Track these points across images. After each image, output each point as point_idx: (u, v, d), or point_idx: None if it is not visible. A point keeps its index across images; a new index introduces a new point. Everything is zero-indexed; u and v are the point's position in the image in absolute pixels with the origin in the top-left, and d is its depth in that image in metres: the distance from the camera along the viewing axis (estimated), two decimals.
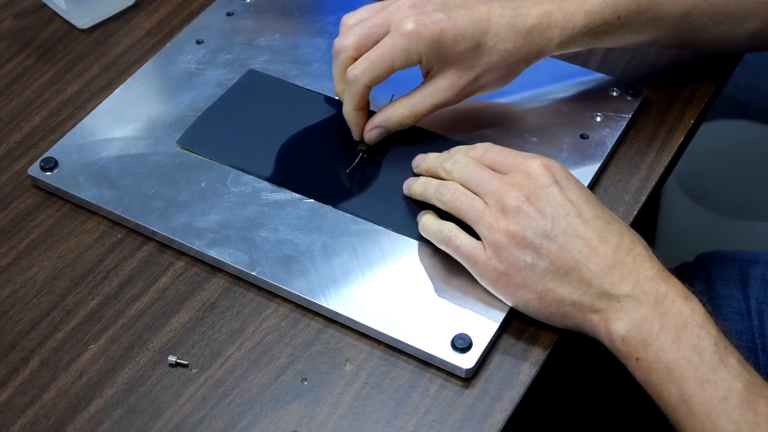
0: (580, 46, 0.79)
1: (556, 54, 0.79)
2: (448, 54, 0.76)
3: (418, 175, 0.77)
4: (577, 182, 0.71)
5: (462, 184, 0.72)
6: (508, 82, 0.80)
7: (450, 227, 0.71)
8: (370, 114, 0.80)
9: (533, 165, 0.70)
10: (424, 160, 0.76)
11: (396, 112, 0.79)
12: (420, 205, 0.77)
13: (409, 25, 0.76)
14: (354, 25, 0.79)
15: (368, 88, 0.78)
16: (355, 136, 0.81)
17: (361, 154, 0.80)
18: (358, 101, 0.79)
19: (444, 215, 0.73)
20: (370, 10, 0.80)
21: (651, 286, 0.66)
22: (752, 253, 0.95)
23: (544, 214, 0.68)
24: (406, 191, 0.76)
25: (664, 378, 0.65)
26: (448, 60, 0.77)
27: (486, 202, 0.70)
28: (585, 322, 0.68)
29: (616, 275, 0.67)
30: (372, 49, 0.77)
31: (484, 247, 0.70)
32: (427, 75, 0.79)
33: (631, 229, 0.69)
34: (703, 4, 0.79)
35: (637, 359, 0.65)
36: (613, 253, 0.67)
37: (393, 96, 0.81)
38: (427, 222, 0.73)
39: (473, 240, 0.70)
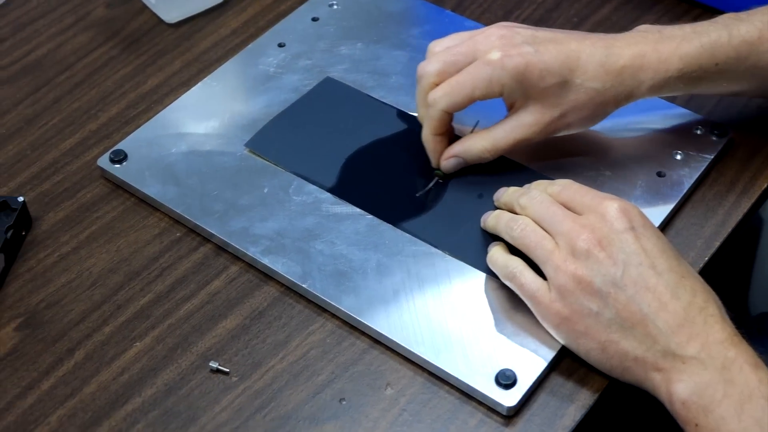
0: (673, 91, 0.76)
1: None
2: (532, 89, 0.74)
3: (496, 208, 0.75)
4: (655, 230, 0.68)
5: (535, 221, 0.69)
6: (594, 123, 0.77)
7: (516, 263, 0.69)
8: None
9: (610, 208, 0.67)
10: (504, 194, 0.74)
11: (476, 145, 0.77)
12: (481, 233, 0.75)
13: (495, 55, 0.74)
14: (440, 52, 0.77)
15: (447, 114, 0.76)
16: (433, 162, 0.79)
17: (436, 178, 0.79)
18: (436, 126, 0.77)
19: (515, 251, 0.71)
20: (457, 38, 0.78)
21: (719, 351, 0.63)
22: None
23: (615, 261, 0.65)
24: (482, 224, 0.74)
25: None
26: (532, 95, 0.75)
27: (556, 242, 0.68)
28: (646, 380, 0.65)
29: (684, 335, 0.64)
30: (455, 75, 0.75)
31: (549, 288, 0.67)
32: (511, 108, 0.77)
33: (707, 286, 0.66)
34: None
35: (696, 425, 0.62)
36: (683, 311, 0.64)
37: (478, 122, 0.79)
38: (495, 255, 0.71)
39: (539, 279, 0.68)
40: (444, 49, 0.77)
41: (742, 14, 0.77)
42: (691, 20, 0.91)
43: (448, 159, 0.78)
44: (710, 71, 0.75)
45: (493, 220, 0.73)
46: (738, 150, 0.82)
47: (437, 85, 0.76)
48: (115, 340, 0.72)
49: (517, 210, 0.72)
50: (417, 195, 0.78)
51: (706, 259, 0.75)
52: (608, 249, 0.66)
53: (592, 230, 0.67)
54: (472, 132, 0.79)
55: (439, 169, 0.79)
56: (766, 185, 0.80)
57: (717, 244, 0.76)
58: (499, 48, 0.75)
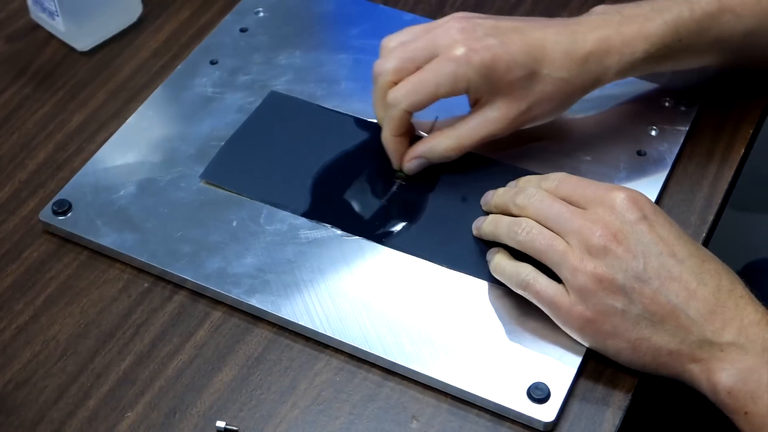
0: (639, 72, 0.74)
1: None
2: (499, 83, 0.70)
3: (486, 213, 0.71)
4: (666, 216, 0.65)
5: (538, 221, 0.65)
6: (561, 113, 0.74)
7: (528, 270, 0.65)
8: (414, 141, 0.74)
9: (617, 198, 0.64)
10: (494, 196, 0.70)
11: (440, 144, 0.73)
12: (474, 239, 0.71)
13: (459, 50, 0.69)
14: (395, 48, 0.72)
15: (408, 113, 0.72)
16: (394, 164, 0.74)
17: (398, 181, 0.74)
18: (396, 126, 0.72)
19: (515, 252, 0.67)
20: (412, 33, 0.73)
21: (756, 333, 0.60)
22: None
23: (635, 254, 0.62)
24: (475, 232, 0.70)
25: None
26: (499, 89, 0.71)
27: (567, 242, 0.64)
28: (684, 372, 0.62)
29: (717, 321, 0.61)
30: (416, 73, 0.71)
31: (567, 291, 0.63)
32: (475, 104, 0.73)
33: (728, 267, 0.64)
34: None
35: (746, 413, 0.60)
36: (713, 296, 0.61)
37: (437, 118, 0.74)
38: (501, 263, 0.67)
39: (554, 283, 0.64)
40: (399, 45, 0.73)
41: None
42: None
43: (411, 160, 0.74)
44: (675, 48, 0.73)
45: (489, 225, 0.69)
46: (707, 117, 0.80)
47: (395, 83, 0.72)
48: (103, 414, 0.65)
49: (514, 211, 0.68)
50: (382, 201, 0.73)
51: (704, 235, 0.73)
52: (625, 242, 0.63)
53: (605, 225, 0.63)
54: (432, 128, 0.74)
55: (401, 170, 0.74)
56: (743, 150, 0.78)
57: (711, 217, 0.74)
58: (461, 42, 0.70)
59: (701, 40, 0.74)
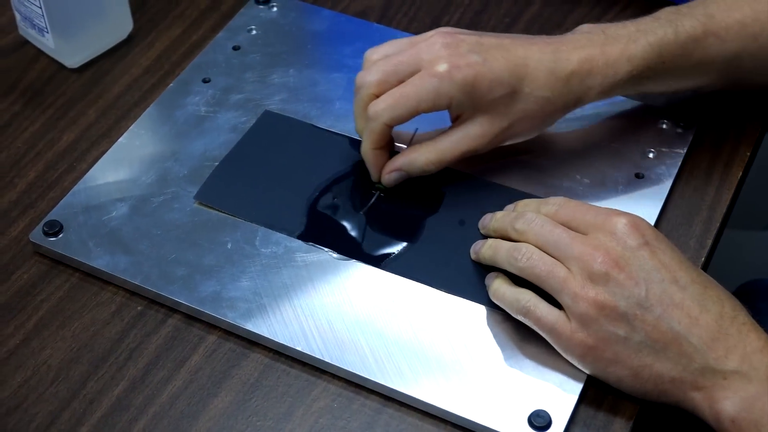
0: (622, 92, 0.74)
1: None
2: (481, 100, 0.70)
3: (484, 236, 0.70)
4: (667, 241, 0.64)
5: (538, 247, 0.65)
6: (542, 131, 0.74)
7: (528, 296, 0.64)
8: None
9: (619, 224, 0.63)
10: (492, 220, 0.69)
11: (420, 157, 0.72)
12: (473, 263, 0.70)
13: (442, 66, 0.69)
14: (378, 60, 0.72)
15: (389, 127, 0.71)
16: (373, 176, 0.74)
17: (377, 193, 0.74)
18: (376, 139, 0.72)
19: (514, 277, 0.66)
20: (396, 46, 0.73)
21: (760, 360, 0.60)
22: None
23: (637, 280, 0.62)
24: (473, 256, 0.69)
25: None
26: (481, 106, 0.70)
27: (568, 268, 0.63)
28: (686, 400, 0.62)
29: (720, 348, 0.60)
30: (398, 87, 0.70)
31: (569, 318, 0.63)
32: (456, 119, 0.72)
33: (730, 294, 0.63)
34: (752, 46, 0.73)
35: None
36: (716, 323, 0.61)
37: (417, 130, 0.74)
38: (500, 288, 0.66)
39: (555, 310, 0.63)
40: (383, 58, 0.72)
41: (682, 8, 0.75)
42: (622, 10, 0.89)
43: (390, 173, 0.73)
44: (657, 70, 0.73)
45: (488, 250, 0.68)
46: (705, 139, 0.79)
47: (377, 96, 0.71)
48: None
49: (513, 236, 0.67)
50: (361, 212, 0.73)
51: (702, 259, 0.72)
52: (627, 269, 0.62)
53: (606, 251, 0.63)
54: (411, 140, 0.74)
55: (380, 183, 0.74)
56: (741, 173, 0.78)
57: (709, 242, 0.73)
58: (445, 58, 0.70)
59: (684, 63, 0.73)
